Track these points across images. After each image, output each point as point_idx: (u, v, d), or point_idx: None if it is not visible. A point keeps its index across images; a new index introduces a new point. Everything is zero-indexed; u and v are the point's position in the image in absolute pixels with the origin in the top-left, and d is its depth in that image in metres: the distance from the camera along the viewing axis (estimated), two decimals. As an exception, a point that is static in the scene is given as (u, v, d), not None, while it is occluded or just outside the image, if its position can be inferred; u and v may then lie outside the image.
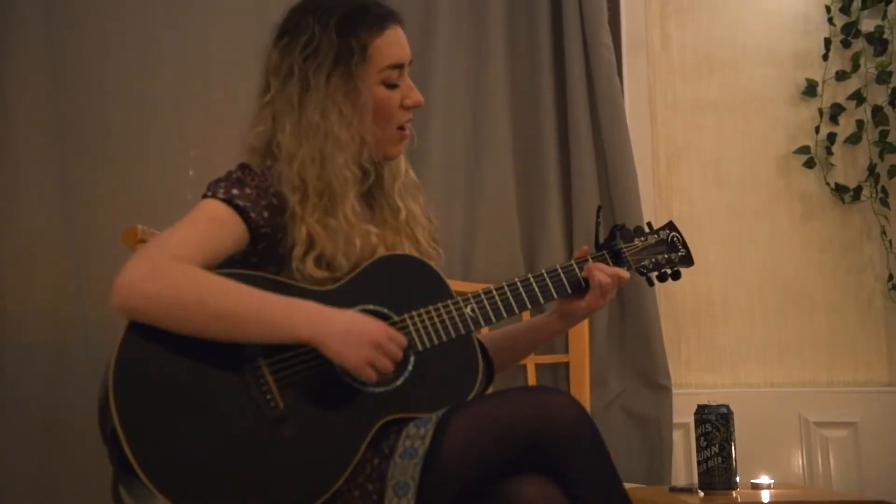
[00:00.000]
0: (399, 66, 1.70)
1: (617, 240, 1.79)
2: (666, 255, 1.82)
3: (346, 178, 1.65)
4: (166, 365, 1.46)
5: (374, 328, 1.50)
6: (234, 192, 1.58)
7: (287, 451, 1.47)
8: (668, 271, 1.83)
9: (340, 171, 1.64)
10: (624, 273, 1.75)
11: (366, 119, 1.67)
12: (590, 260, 1.75)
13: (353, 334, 1.48)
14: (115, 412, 1.40)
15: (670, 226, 1.86)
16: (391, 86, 1.69)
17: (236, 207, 1.57)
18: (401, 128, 1.72)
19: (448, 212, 2.83)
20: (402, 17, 1.72)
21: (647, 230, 1.83)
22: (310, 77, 1.64)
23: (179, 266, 1.47)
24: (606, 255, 1.78)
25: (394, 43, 1.69)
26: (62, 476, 2.42)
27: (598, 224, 1.82)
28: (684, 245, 1.84)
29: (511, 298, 1.68)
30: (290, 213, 1.61)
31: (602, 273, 1.72)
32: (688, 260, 1.84)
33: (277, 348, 1.51)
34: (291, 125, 1.65)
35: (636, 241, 1.81)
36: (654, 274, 1.82)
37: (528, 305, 1.70)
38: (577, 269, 1.74)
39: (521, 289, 1.70)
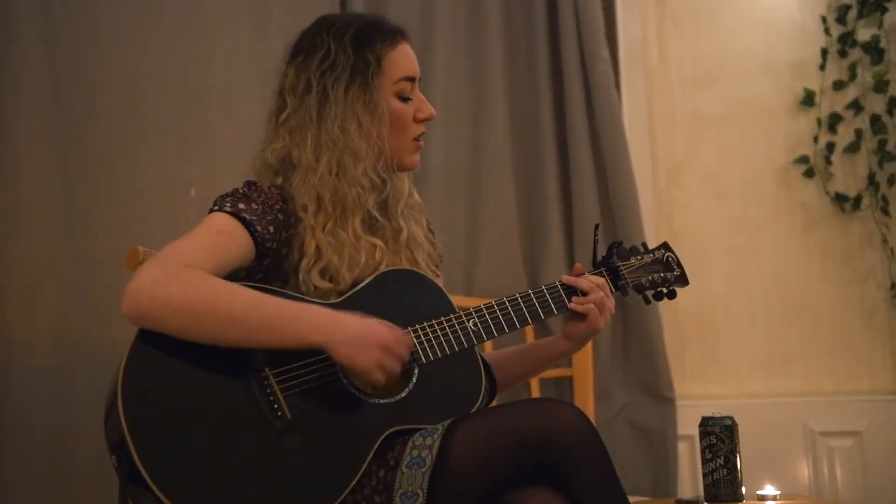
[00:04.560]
0: (412, 80, 1.74)
1: (614, 258, 1.81)
2: (662, 274, 1.84)
3: (364, 187, 1.68)
4: (174, 374, 1.47)
5: (384, 331, 1.53)
6: (241, 206, 1.60)
7: (293, 462, 1.48)
8: (664, 290, 1.85)
9: (358, 181, 1.67)
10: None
11: (383, 130, 1.70)
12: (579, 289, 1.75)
13: (362, 339, 1.50)
14: (124, 420, 1.40)
15: (665, 246, 1.88)
16: (404, 99, 1.73)
17: (243, 221, 1.59)
18: (416, 139, 1.76)
19: (450, 227, 2.84)
20: (409, 34, 1.77)
21: (642, 249, 1.85)
22: (328, 90, 1.68)
23: (190, 272, 1.49)
24: (604, 273, 1.80)
25: (406, 56, 1.74)
26: (68, 499, 2.42)
27: (595, 241, 1.84)
28: (679, 265, 1.86)
29: (512, 313, 1.70)
30: (303, 226, 1.64)
31: (586, 302, 1.73)
32: (683, 279, 1.86)
33: (284, 358, 1.52)
34: (312, 138, 1.68)
35: (632, 260, 1.82)
36: (651, 293, 1.84)
37: (529, 320, 1.71)
38: (577, 290, 1.75)
39: (521, 303, 1.71)
